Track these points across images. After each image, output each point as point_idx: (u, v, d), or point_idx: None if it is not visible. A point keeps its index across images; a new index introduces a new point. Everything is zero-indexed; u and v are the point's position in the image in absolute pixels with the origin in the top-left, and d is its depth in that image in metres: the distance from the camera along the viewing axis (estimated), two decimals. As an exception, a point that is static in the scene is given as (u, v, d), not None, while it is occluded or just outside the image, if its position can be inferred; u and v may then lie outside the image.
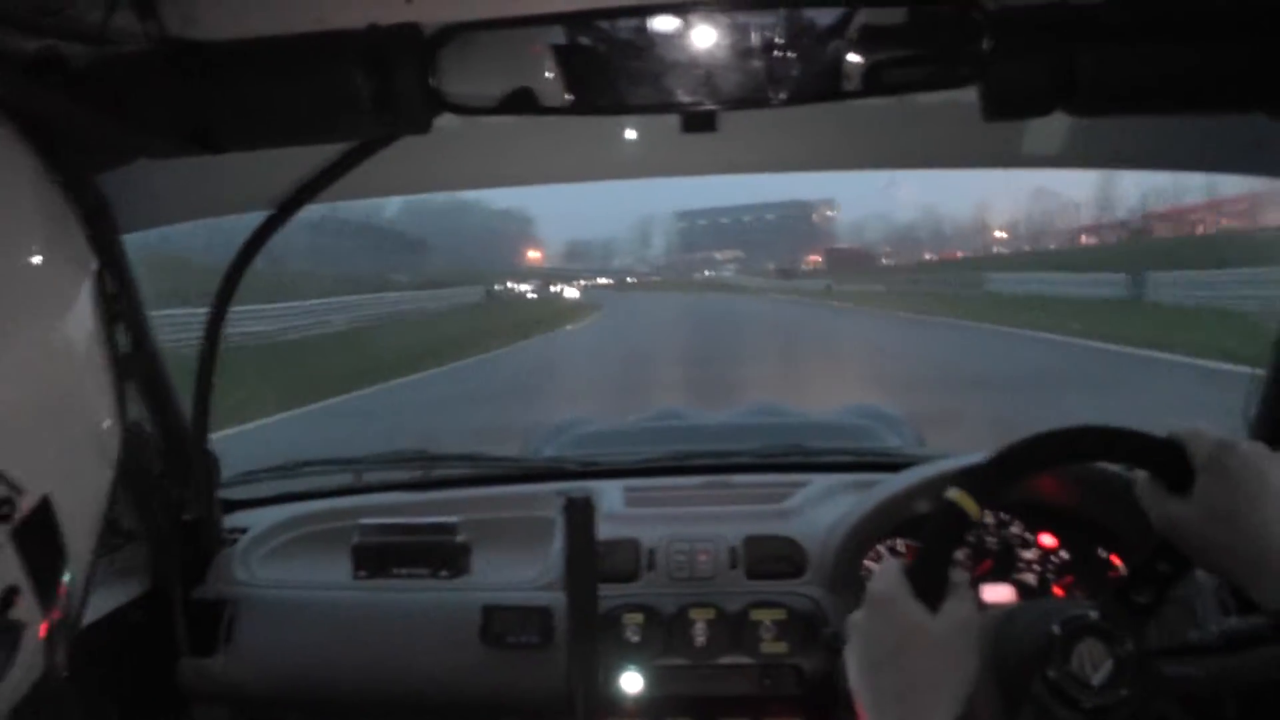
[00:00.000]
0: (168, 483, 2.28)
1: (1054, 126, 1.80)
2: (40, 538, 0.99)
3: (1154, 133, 2.09)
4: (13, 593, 0.97)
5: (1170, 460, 1.45)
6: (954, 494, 1.41)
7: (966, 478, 1.42)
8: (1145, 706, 1.41)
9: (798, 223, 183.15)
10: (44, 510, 0.98)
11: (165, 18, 1.40)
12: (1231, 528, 1.38)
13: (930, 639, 1.36)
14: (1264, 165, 2.26)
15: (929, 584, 1.41)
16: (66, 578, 1.08)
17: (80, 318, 1.13)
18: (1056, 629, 1.45)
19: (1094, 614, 1.47)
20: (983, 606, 1.85)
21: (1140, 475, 1.52)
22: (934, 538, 1.43)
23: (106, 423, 1.14)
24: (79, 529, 1.11)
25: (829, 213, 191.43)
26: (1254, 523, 1.37)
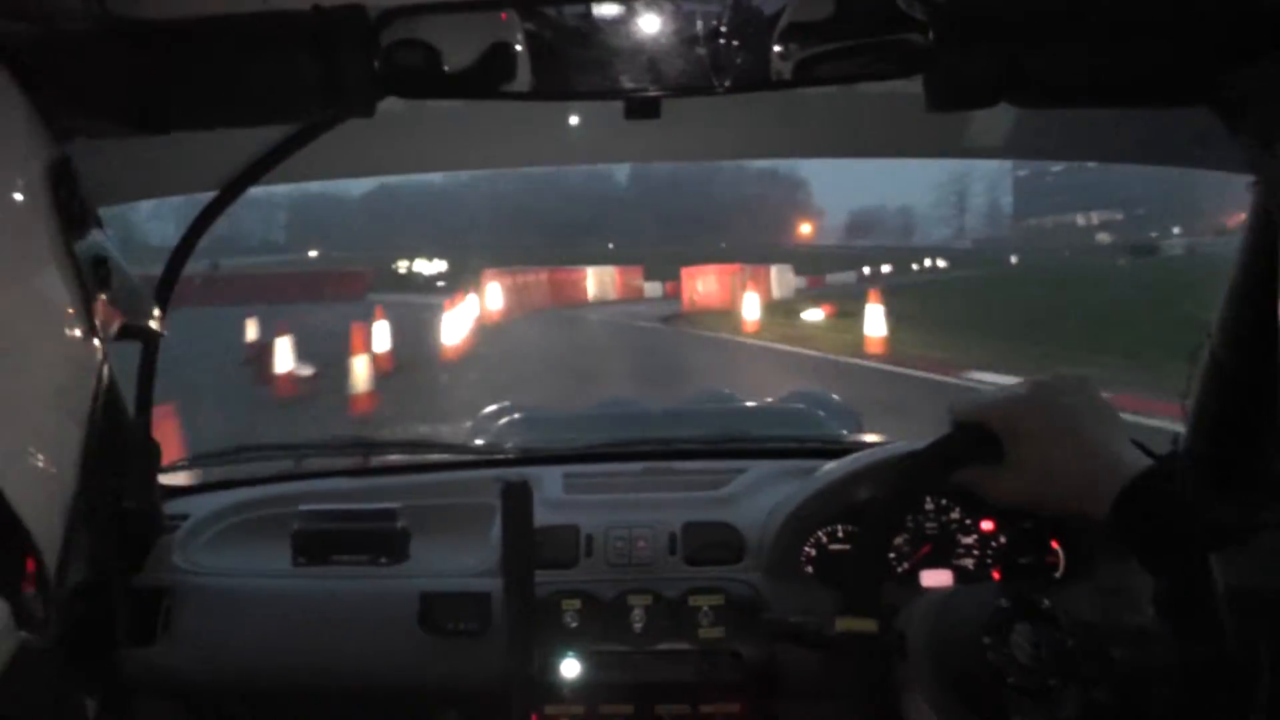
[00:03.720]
0: (108, 468, 2.25)
1: (999, 118, 1.82)
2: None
3: (1099, 125, 2.12)
4: None
5: (979, 442, 1.52)
6: (846, 623, 1.60)
7: (849, 602, 1.62)
8: (1084, 688, 1.43)
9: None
10: None
11: None
12: (1050, 467, 1.54)
13: None
14: (1207, 159, 2.29)
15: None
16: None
17: (50, 304, 1.11)
18: (994, 613, 1.47)
19: (1030, 597, 1.50)
20: (921, 591, 1.87)
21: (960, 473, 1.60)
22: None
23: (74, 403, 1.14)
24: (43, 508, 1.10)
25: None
26: (1066, 453, 1.54)
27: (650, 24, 1.53)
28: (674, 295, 45.92)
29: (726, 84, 1.54)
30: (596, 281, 49.87)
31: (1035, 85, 1.50)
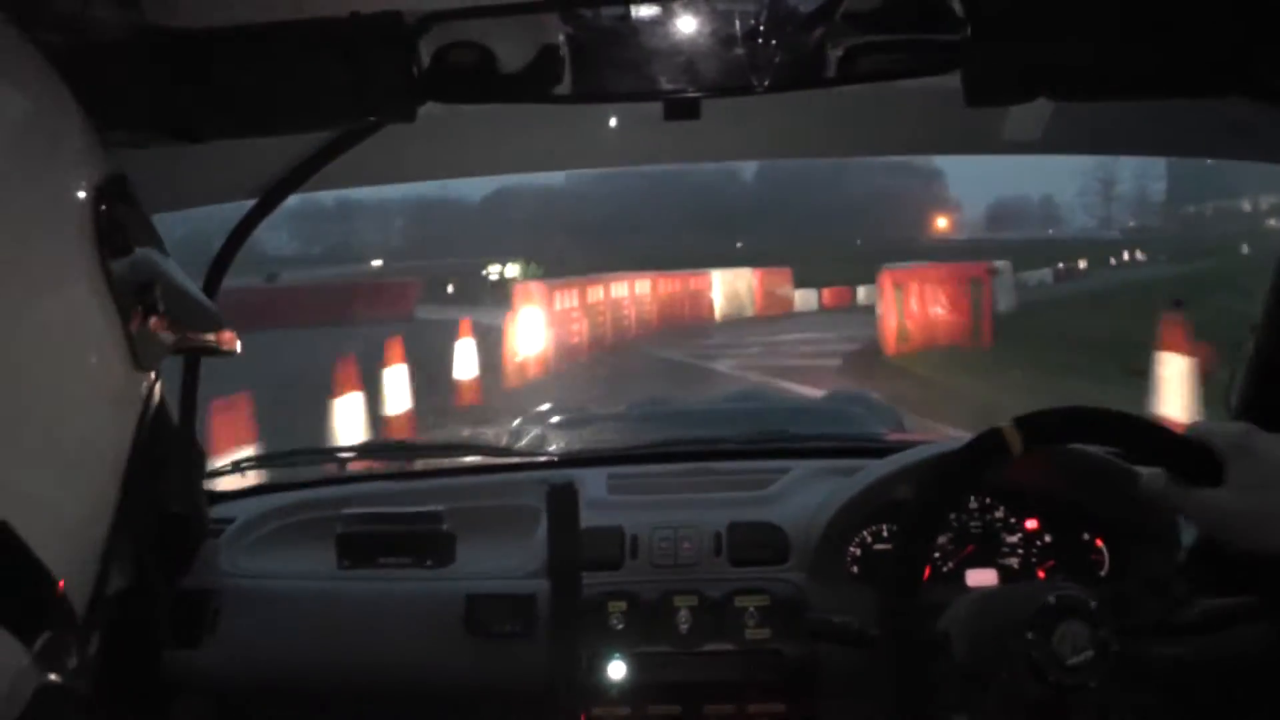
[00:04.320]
0: (154, 473, 2.27)
1: (1037, 112, 1.81)
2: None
3: (1136, 117, 2.10)
4: None
5: (1197, 456, 1.48)
6: (1005, 427, 1.51)
7: (1023, 418, 1.52)
8: (1124, 686, 1.43)
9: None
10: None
11: (145, 6, 1.39)
12: (1267, 501, 1.45)
13: None
14: (1244, 149, 2.27)
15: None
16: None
17: (97, 317, 1.09)
18: (1038, 611, 1.47)
19: (1075, 595, 1.49)
20: (966, 590, 1.86)
21: (1151, 471, 1.55)
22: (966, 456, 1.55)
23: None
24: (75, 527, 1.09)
25: None
26: None
27: (688, 25, 1.53)
28: (834, 307, 37.18)
29: (765, 83, 1.54)
30: (726, 292, 34.74)
31: (1072, 79, 1.49)
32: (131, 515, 1.94)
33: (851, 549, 2.21)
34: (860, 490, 2.22)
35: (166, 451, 2.29)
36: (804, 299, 39.46)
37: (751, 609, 2.15)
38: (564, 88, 1.57)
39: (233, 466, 2.76)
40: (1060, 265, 51.34)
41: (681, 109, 1.68)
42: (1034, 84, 1.50)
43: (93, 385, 1.04)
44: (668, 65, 1.55)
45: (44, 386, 0.91)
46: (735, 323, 31.84)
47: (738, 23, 1.51)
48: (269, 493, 2.72)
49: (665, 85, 1.57)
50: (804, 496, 2.37)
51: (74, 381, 0.98)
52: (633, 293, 28.06)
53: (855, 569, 2.21)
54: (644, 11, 1.51)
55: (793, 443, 2.87)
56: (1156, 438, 1.51)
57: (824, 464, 2.55)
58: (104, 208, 0.98)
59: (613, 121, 2.21)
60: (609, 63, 1.55)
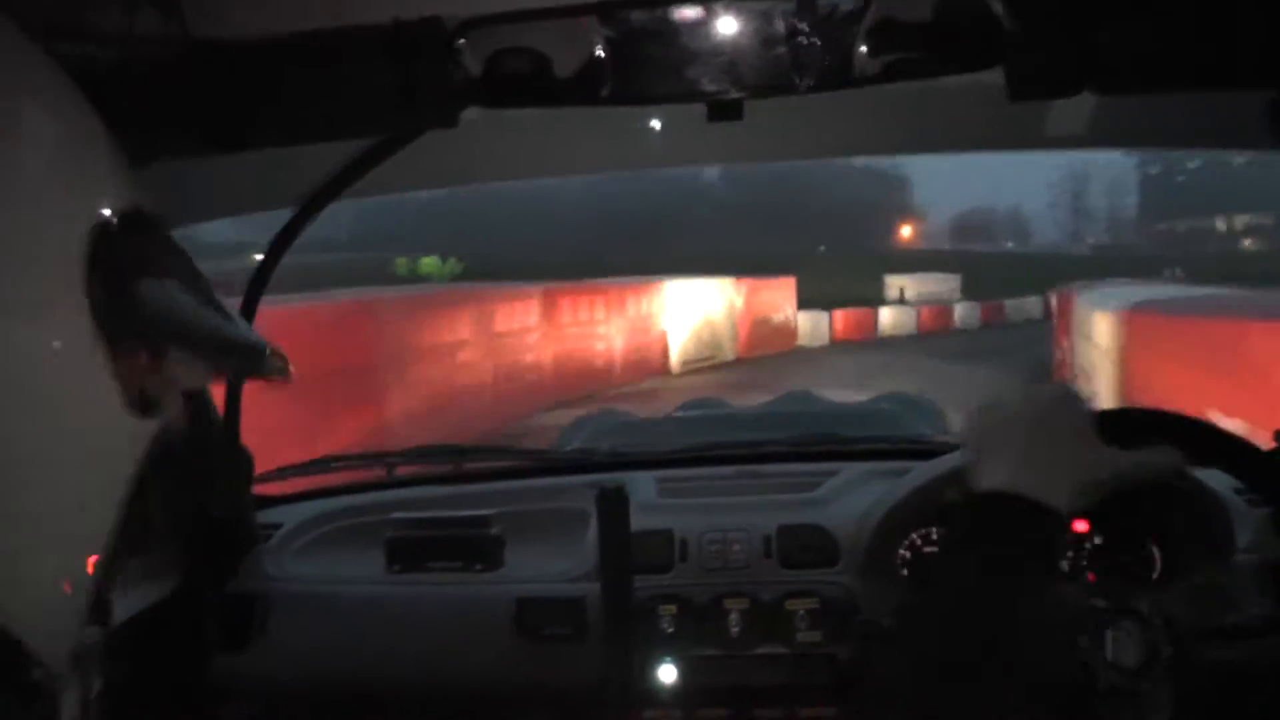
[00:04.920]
0: (200, 479, 2.29)
1: (1081, 106, 1.79)
2: None
3: (1184, 110, 2.07)
4: None
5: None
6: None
7: (1105, 413, 1.45)
8: (1176, 690, 1.41)
9: None
10: None
11: (188, 18, 1.40)
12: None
13: None
14: None
15: None
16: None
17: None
18: (1089, 613, 1.45)
19: (1127, 599, 1.47)
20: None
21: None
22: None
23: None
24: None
25: None
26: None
27: (729, 25, 1.52)
28: (847, 339, 31.66)
29: (809, 83, 1.53)
30: (688, 318, 24.42)
31: (1118, 71, 1.48)
32: (179, 521, 1.96)
33: (901, 551, 2.20)
34: (909, 492, 2.21)
35: (213, 459, 2.31)
36: (809, 327, 32.92)
37: (802, 612, 2.14)
38: (606, 90, 1.57)
39: (279, 472, 2.78)
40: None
41: (725, 110, 1.68)
42: (1079, 77, 1.48)
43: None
44: (710, 66, 1.54)
45: (72, 399, 0.90)
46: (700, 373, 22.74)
47: (780, 22, 1.51)
48: (316, 498, 2.73)
49: (708, 86, 1.56)
50: (853, 499, 2.36)
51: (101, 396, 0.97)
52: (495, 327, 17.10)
53: (905, 571, 2.19)
54: (686, 13, 1.51)
55: (841, 445, 2.86)
56: (1243, 451, 1.48)
57: (872, 466, 2.54)
58: (108, 244, 0.95)
59: (655, 124, 2.21)
60: (651, 65, 1.55)
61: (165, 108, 1.47)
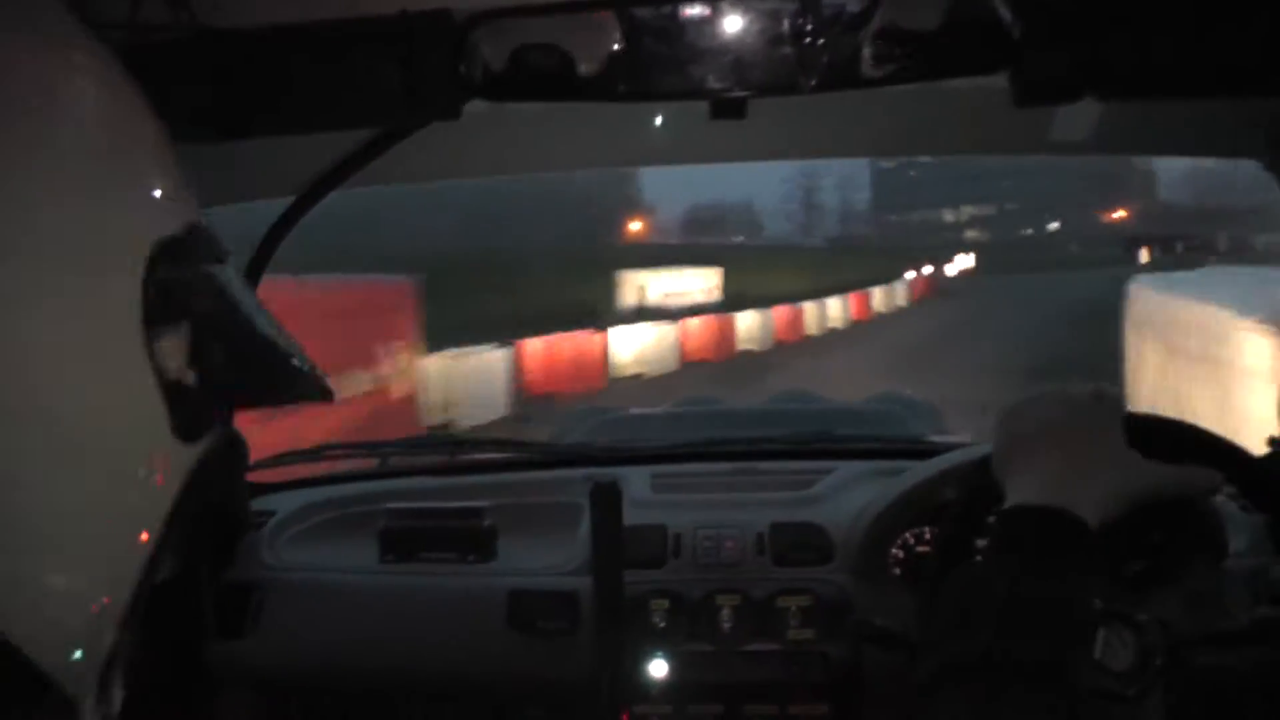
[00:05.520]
0: (195, 468, 2.28)
1: (1085, 111, 1.80)
2: None
3: (1188, 117, 2.08)
4: None
5: None
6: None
7: (1137, 417, 1.44)
8: (1169, 696, 1.41)
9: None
10: None
11: (195, 6, 1.40)
12: None
13: None
14: None
15: None
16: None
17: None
18: (1080, 616, 1.45)
19: (1117, 603, 1.47)
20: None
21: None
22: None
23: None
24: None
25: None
26: None
27: (735, 24, 1.53)
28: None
29: (813, 83, 1.54)
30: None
31: (1121, 77, 1.48)
32: (177, 511, 1.94)
33: (894, 550, 2.20)
34: (904, 491, 2.21)
35: (209, 445, 2.31)
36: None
37: (795, 609, 2.14)
38: (610, 86, 1.58)
39: (274, 459, 2.78)
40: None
41: (728, 108, 1.68)
42: (1083, 83, 1.49)
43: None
44: (715, 64, 1.55)
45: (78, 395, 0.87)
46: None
47: (785, 22, 1.51)
48: (311, 486, 2.73)
49: (712, 84, 1.57)
50: (847, 497, 2.36)
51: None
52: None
53: (898, 571, 2.20)
54: (691, 11, 1.51)
55: (836, 443, 2.86)
56: (1258, 470, 1.48)
57: (868, 465, 2.54)
58: (161, 270, 0.90)
59: (658, 120, 2.21)
60: (656, 62, 1.55)
61: (171, 94, 1.47)
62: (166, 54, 1.45)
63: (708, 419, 3.88)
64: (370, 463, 2.90)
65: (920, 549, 2.20)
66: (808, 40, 1.51)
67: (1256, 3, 1.41)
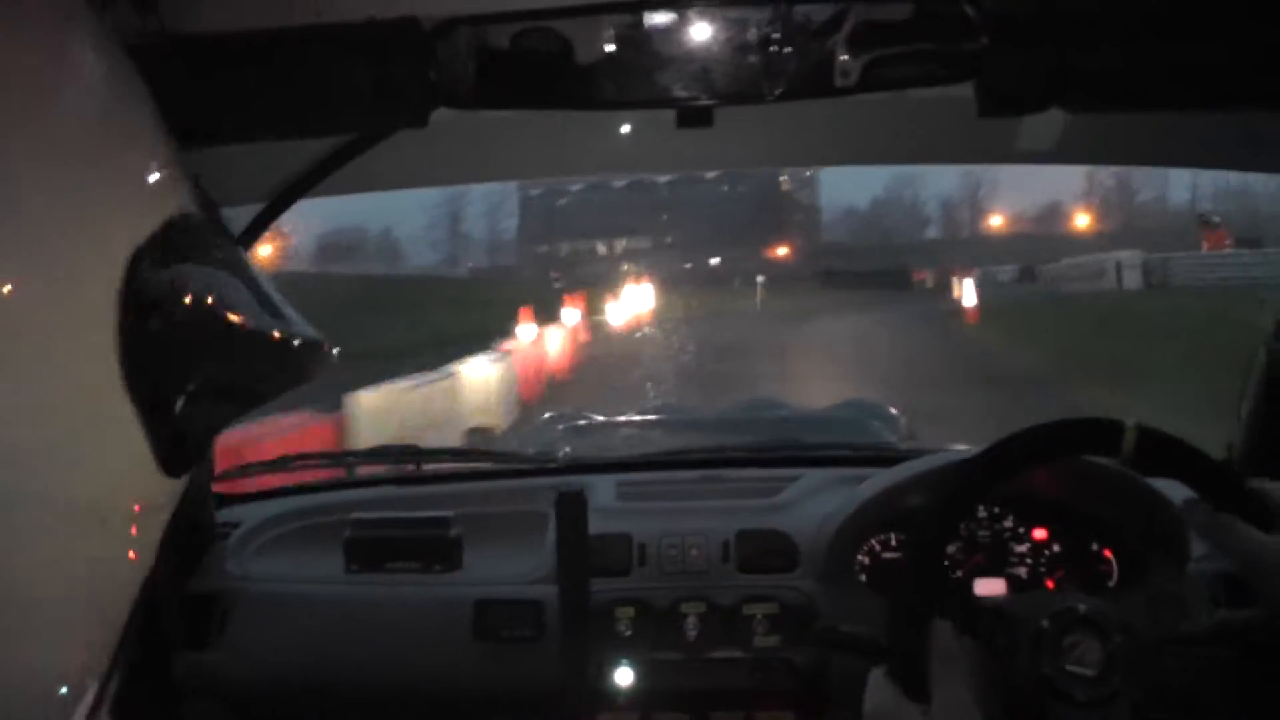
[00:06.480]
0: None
1: (1049, 122, 1.81)
2: None
3: (1150, 128, 2.10)
4: None
5: (1260, 508, 1.46)
6: (1128, 424, 1.41)
7: (1146, 429, 1.42)
8: (1134, 698, 1.42)
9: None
10: None
11: (163, 12, 1.40)
12: None
13: None
14: (1260, 161, 2.27)
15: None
16: None
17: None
18: (1047, 622, 1.46)
19: (1083, 607, 1.48)
20: (975, 600, 1.86)
21: (1188, 497, 1.52)
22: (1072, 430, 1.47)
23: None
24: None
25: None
26: None
27: (702, 32, 1.53)
28: None
29: (778, 92, 1.54)
30: None
31: (1085, 89, 1.49)
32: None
33: (860, 557, 2.21)
34: (869, 498, 2.22)
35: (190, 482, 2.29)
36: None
37: (760, 616, 2.15)
38: (577, 94, 1.58)
39: (240, 470, 2.76)
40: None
41: (694, 117, 1.69)
42: (1047, 94, 1.50)
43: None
44: (681, 73, 1.55)
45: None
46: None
47: (752, 31, 1.52)
48: (276, 497, 2.72)
49: (679, 93, 1.57)
50: (814, 504, 2.37)
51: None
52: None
53: (864, 577, 2.20)
54: (658, 19, 1.52)
55: (803, 451, 2.87)
56: (1233, 484, 1.49)
57: (834, 472, 2.55)
58: (143, 271, 0.87)
59: (625, 129, 2.21)
60: (623, 70, 1.56)
61: None
62: (133, 60, 1.44)
63: (673, 427, 3.89)
64: (336, 472, 2.89)
65: (886, 555, 2.20)
66: (774, 49, 1.52)
67: (1221, 13, 1.42)
